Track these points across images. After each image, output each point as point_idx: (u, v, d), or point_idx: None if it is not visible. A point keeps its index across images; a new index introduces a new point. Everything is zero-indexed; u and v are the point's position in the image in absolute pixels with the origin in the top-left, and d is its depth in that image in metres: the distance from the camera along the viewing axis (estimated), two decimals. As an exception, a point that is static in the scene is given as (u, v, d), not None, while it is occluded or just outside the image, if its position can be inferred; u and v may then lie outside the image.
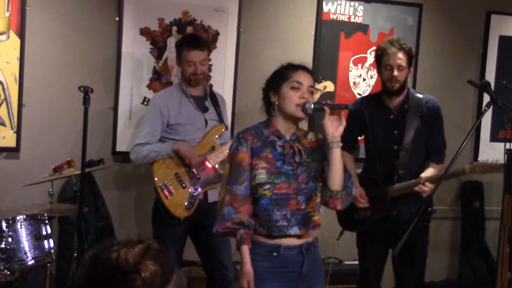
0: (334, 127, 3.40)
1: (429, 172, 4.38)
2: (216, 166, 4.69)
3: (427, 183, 4.26)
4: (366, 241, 4.65)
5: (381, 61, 4.48)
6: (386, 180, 4.47)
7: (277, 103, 3.46)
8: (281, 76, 3.49)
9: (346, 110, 3.57)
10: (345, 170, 3.48)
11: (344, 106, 3.55)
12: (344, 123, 3.42)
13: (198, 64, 4.63)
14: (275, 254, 3.42)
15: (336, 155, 3.40)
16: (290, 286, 3.46)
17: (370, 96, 4.76)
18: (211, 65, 5.41)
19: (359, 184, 4.54)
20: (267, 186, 3.38)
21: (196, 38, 4.83)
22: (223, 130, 4.82)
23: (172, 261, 1.77)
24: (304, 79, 3.45)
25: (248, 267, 3.37)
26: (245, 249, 3.38)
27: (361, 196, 4.48)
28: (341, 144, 3.42)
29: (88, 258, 1.74)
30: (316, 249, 3.56)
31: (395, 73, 4.40)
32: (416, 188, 4.30)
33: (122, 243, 1.73)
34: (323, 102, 3.61)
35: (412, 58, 4.50)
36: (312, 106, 3.40)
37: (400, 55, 4.42)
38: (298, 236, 3.43)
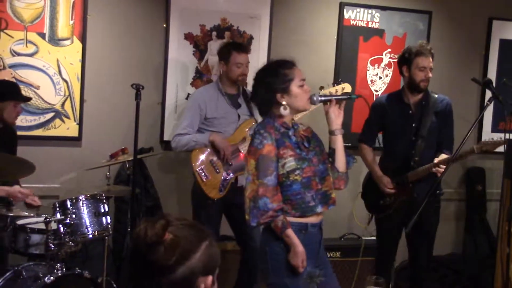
0: (337, 116, 3.40)
1: (441, 157, 4.39)
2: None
3: (440, 165, 4.26)
4: (383, 220, 4.65)
5: (412, 62, 4.45)
6: (404, 166, 4.48)
7: (285, 102, 3.32)
8: (285, 76, 3.33)
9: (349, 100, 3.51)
10: (347, 154, 3.49)
11: (348, 97, 3.46)
12: (342, 112, 3.43)
13: (245, 66, 4.67)
14: (303, 232, 3.31)
15: (340, 140, 3.43)
16: (312, 260, 3.35)
17: (392, 93, 4.73)
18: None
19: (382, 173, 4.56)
20: (297, 172, 3.27)
21: (242, 43, 4.91)
22: (253, 123, 4.83)
23: (202, 233, 1.78)
24: (302, 73, 3.39)
25: (301, 247, 3.24)
26: (291, 232, 3.24)
27: (388, 183, 4.48)
28: (343, 131, 3.43)
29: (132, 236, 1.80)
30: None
31: (430, 75, 4.43)
32: (433, 170, 4.30)
33: (148, 220, 1.76)
34: (328, 95, 3.56)
35: None
36: (319, 98, 3.38)
37: (431, 59, 4.44)
38: (317, 214, 3.36)
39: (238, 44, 4.85)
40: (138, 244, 1.72)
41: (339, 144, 3.44)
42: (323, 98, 3.40)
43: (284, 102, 3.32)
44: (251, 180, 3.29)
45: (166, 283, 1.70)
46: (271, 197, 3.23)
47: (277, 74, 3.35)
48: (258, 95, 3.42)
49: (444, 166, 4.26)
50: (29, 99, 4.65)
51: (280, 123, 3.35)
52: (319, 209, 3.34)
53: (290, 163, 3.28)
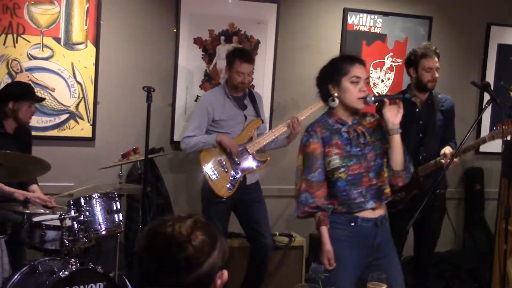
0: (393, 116, 3.24)
1: (448, 149, 4.38)
2: (254, 153, 4.72)
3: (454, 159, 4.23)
4: (392, 216, 4.61)
5: (419, 63, 4.45)
6: (413, 161, 4.47)
7: (336, 94, 3.27)
8: (340, 70, 3.27)
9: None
10: (405, 153, 3.33)
11: (402, 96, 3.32)
12: (402, 111, 3.26)
13: (246, 75, 4.66)
14: (352, 224, 3.26)
15: (397, 140, 3.26)
16: (364, 255, 3.30)
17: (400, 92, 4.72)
18: (253, 68, 5.44)
19: None
20: (342, 170, 3.23)
21: (248, 52, 4.85)
22: (260, 123, 4.85)
23: (215, 231, 1.81)
24: (361, 72, 3.27)
25: (328, 246, 3.23)
26: (324, 230, 3.24)
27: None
28: (400, 131, 3.26)
29: (147, 233, 1.78)
30: (387, 221, 3.41)
31: (436, 74, 4.43)
32: (442, 161, 4.28)
33: (175, 219, 1.76)
34: (381, 94, 3.43)
35: None
36: (373, 98, 3.25)
37: (436, 59, 4.44)
38: (373, 209, 3.29)
39: (244, 53, 4.78)
40: (168, 242, 1.71)
41: (394, 143, 3.26)
42: (377, 99, 3.30)
43: (335, 94, 3.29)
44: (299, 174, 3.33)
45: (191, 279, 1.72)
46: (313, 192, 3.25)
47: (334, 66, 3.33)
48: (317, 84, 3.41)
49: (456, 160, 4.24)
50: (43, 99, 4.68)
51: (335, 119, 3.31)
52: (370, 204, 3.28)
53: (335, 161, 3.24)
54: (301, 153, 3.35)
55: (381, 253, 3.35)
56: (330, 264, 3.24)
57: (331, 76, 3.31)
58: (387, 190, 3.35)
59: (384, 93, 5.78)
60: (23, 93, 4.40)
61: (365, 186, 3.26)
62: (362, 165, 3.26)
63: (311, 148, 3.28)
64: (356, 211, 3.27)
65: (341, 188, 3.25)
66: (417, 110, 4.51)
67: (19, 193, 4.19)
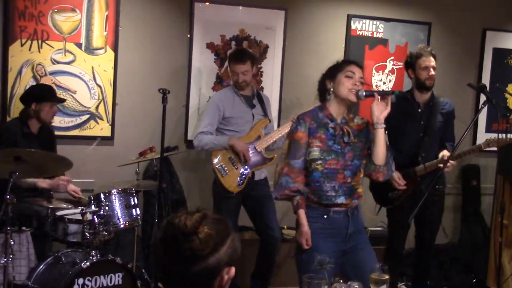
0: (380, 111, 3.29)
1: (444, 152, 4.38)
2: (262, 151, 4.73)
3: (451, 161, 4.23)
4: (394, 211, 4.62)
5: (415, 64, 4.46)
6: (411, 161, 4.46)
7: (332, 88, 3.33)
8: (337, 67, 3.36)
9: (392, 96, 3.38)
10: (388, 149, 3.37)
11: (391, 92, 3.36)
12: (389, 108, 3.30)
13: (240, 74, 4.66)
14: (325, 216, 3.31)
15: (380, 135, 3.30)
16: (338, 243, 3.34)
17: (403, 92, 4.70)
18: (262, 71, 5.45)
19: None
20: (319, 162, 3.27)
21: (240, 52, 4.85)
22: (267, 123, 4.86)
23: (228, 228, 1.80)
24: (356, 71, 3.32)
25: (305, 227, 3.29)
26: (302, 212, 3.30)
27: (399, 178, 4.34)
28: (384, 126, 3.29)
29: (163, 225, 1.80)
30: (358, 213, 3.42)
31: (432, 72, 4.41)
32: (439, 165, 4.28)
33: (186, 212, 1.77)
34: (373, 90, 3.45)
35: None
36: (365, 93, 3.28)
37: (432, 58, 4.43)
38: (343, 204, 3.32)
39: (236, 54, 4.81)
40: (175, 233, 1.73)
41: (377, 137, 3.31)
42: (367, 93, 3.32)
43: (331, 89, 3.35)
44: (283, 158, 3.38)
45: (196, 270, 1.72)
46: (294, 177, 3.30)
47: (333, 66, 3.41)
48: (318, 84, 3.48)
49: (453, 162, 4.26)
50: (63, 100, 4.74)
51: (326, 114, 3.35)
52: (341, 200, 3.31)
53: (314, 152, 3.29)
54: (288, 138, 3.40)
55: (354, 241, 3.38)
56: (308, 244, 3.30)
57: (329, 73, 3.39)
58: (360, 189, 3.37)
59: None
60: (44, 94, 4.45)
61: (339, 183, 3.30)
62: (339, 162, 3.30)
63: (298, 136, 3.32)
64: (326, 203, 3.31)
65: (316, 179, 3.30)
66: (419, 110, 4.51)
67: (42, 181, 4.24)
